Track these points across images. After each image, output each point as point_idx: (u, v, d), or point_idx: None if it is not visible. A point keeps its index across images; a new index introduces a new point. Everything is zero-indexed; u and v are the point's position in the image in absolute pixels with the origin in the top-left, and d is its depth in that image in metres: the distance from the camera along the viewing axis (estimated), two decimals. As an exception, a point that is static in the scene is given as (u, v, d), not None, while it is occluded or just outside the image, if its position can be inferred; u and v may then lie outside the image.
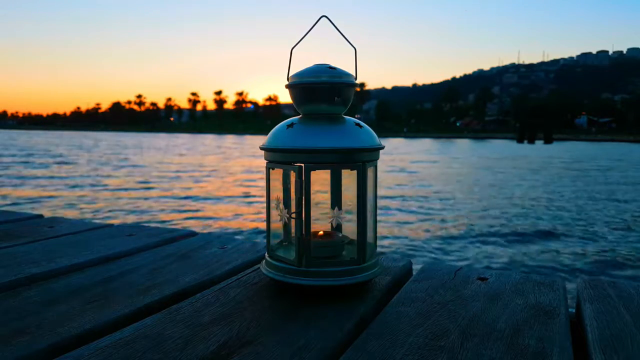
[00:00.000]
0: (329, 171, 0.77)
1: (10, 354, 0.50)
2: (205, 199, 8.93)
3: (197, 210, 7.65)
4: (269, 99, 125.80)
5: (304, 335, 0.55)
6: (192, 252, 0.90)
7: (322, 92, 0.69)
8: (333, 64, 0.70)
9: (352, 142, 0.66)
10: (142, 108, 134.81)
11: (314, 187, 0.66)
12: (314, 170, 0.66)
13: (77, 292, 0.68)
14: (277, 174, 0.73)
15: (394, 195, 9.49)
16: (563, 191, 10.57)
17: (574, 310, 0.68)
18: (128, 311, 0.62)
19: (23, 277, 0.74)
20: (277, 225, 0.75)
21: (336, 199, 0.76)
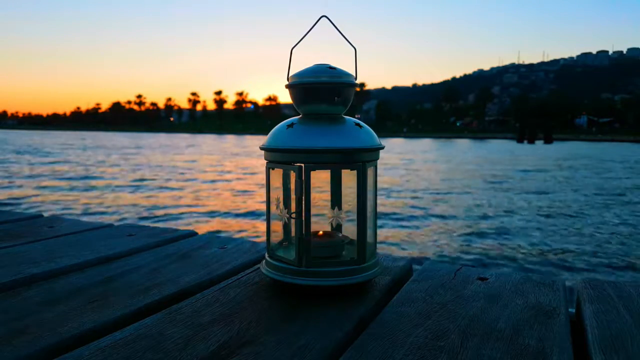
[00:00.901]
0: (329, 171, 0.77)
1: (10, 354, 0.50)
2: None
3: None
4: (269, 99, 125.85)
5: (304, 335, 0.55)
6: (192, 252, 0.90)
7: (322, 92, 0.69)
8: (333, 64, 0.70)
9: (352, 142, 0.66)
10: (142, 108, 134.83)
11: (314, 187, 0.66)
12: (314, 170, 0.66)
13: (77, 292, 0.68)
14: (277, 174, 0.73)
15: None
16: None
17: (574, 310, 0.68)
18: (128, 311, 0.62)
19: (23, 277, 0.74)
20: (277, 225, 0.75)
21: (336, 199, 0.76)
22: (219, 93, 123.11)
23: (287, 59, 0.71)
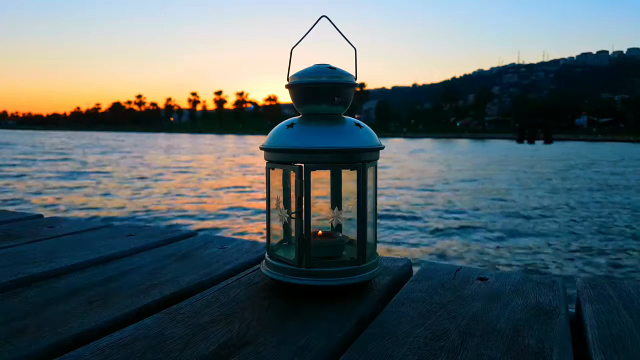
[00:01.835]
0: (329, 171, 0.77)
1: (10, 354, 0.50)
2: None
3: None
4: (269, 99, 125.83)
5: (304, 335, 0.55)
6: (192, 252, 0.90)
7: (322, 92, 0.69)
8: (333, 64, 0.70)
9: (352, 142, 0.66)
10: (142, 108, 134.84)
11: (314, 187, 0.66)
12: (314, 170, 0.66)
13: (77, 292, 0.68)
14: (277, 174, 0.73)
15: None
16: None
17: (574, 310, 0.68)
18: (128, 311, 0.62)
19: (23, 277, 0.74)
20: (277, 225, 0.75)
21: (336, 199, 0.76)
22: (219, 93, 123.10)
23: (287, 59, 0.71)
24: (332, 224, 0.77)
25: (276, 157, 0.69)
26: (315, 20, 0.69)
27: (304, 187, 0.65)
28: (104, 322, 0.58)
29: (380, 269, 0.72)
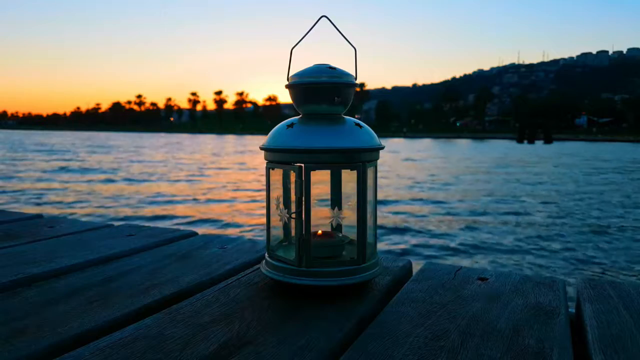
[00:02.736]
0: (329, 171, 0.77)
1: (10, 354, 0.50)
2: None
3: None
4: (269, 99, 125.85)
5: (304, 335, 0.55)
6: (192, 252, 0.90)
7: (322, 92, 0.69)
8: (333, 64, 0.70)
9: (352, 142, 0.66)
10: (142, 108, 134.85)
11: (314, 187, 0.66)
12: (314, 170, 0.66)
13: (77, 292, 0.68)
14: (277, 174, 0.73)
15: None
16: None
17: (574, 310, 0.68)
18: (128, 311, 0.62)
19: (23, 277, 0.74)
20: (277, 225, 0.75)
21: (336, 199, 0.76)
22: (219, 93, 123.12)
23: (287, 59, 0.71)
24: (332, 224, 0.77)
25: (276, 157, 0.69)
26: (315, 20, 0.69)
27: (304, 187, 0.65)
28: (104, 322, 0.58)
29: (380, 269, 0.72)
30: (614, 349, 0.52)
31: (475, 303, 0.66)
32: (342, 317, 0.60)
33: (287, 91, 0.71)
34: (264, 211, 0.73)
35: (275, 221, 0.73)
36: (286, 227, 0.77)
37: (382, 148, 0.70)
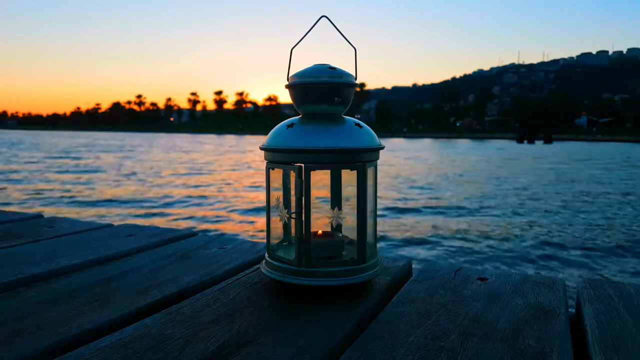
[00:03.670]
0: (329, 171, 0.77)
1: (10, 354, 0.50)
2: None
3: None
4: (269, 99, 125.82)
5: (304, 335, 0.55)
6: (192, 252, 0.90)
7: (322, 92, 0.69)
8: (333, 64, 0.70)
9: (352, 142, 0.66)
10: (142, 108, 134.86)
11: (314, 187, 0.66)
12: (314, 170, 0.66)
13: (77, 292, 0.68)
14: (277, 174, 0.73)
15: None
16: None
17: (574, 310, 0.68)
18: (128, 311, 0.62)
19: (23, 277, 0.74)
20: (277, 225, 0.75)
21: (336, 199, 0.76)
22: (219, 93, 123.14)
23: (287, 59, 0.71)
24: (332, 224, 0.77)
25: (276, 157, 0.69)
26: (315, 20, 0.69)
27: (304, 187, 0.65)
28: (104, 322, 0.58)
29: (380, 269, 0.72)
30: (614, 349, 0.52)
31: (475, 303, 0.66)
32: (342, 317, 0.60)
33: (287, 91, 0.71)
34: (264, 211, 0.73)
35: (275, 221, 0.73)
36: (286, 227, 0.77)
37: (382, 148, 0.70)
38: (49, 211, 7.02)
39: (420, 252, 5.07)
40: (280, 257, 0.69)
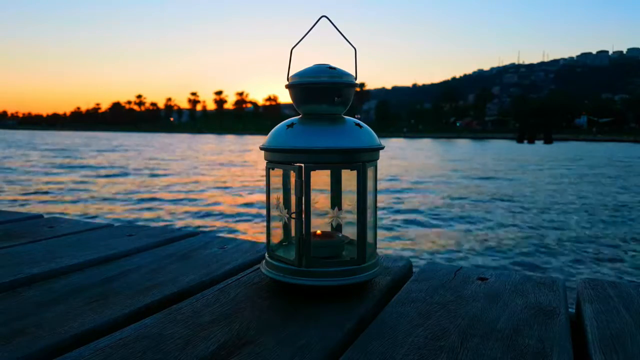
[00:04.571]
0: (329, 171, 0.77)
1: (10, 354, 0.50)
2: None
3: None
4: (269, 99, 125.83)
5: (304, 335, 0.55)
6: (192, 252, 0.90)
7: (322, 92, 0.69)
8: (333, 64, 0.70)
9: (352, 142, 0.66)
10: (142, 108, 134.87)
11: (314, 187, 0.66)
12: (314, 170, 0.66)
13: (77, 292, 0.68)
14: (277, 174, 0.73)
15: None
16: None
17: (574, 310, 0.68)
18: (128, 311, 0.62)
19: (23, 277, 0.74)
20: (277, 225, 0.75)
21: (336, 199, 0.76)
22: (219, 93, 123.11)
23: (287, 59, 0.71)
24: (332, 224, 0.77)
25: (276, 157, 0.69)
26: (315, 20, 0.69)
27: (304, 187, 0.65)
28: (104, 322, 0.58)
29: (380, 269, 0.72)
30: (613, 349, 0.52)
31: (475, 303, 0.66)
32: (342, 317, 0.60)
33: (287, 91, 0.71)
34: (264, 211, 0.73)
35: (275, 221, 0.73)
36: (286, 227, 0.77)
37: (382, 148, 0.70)
38: (49, 211, 7.03)
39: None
40: (280, 257, 0.69)
